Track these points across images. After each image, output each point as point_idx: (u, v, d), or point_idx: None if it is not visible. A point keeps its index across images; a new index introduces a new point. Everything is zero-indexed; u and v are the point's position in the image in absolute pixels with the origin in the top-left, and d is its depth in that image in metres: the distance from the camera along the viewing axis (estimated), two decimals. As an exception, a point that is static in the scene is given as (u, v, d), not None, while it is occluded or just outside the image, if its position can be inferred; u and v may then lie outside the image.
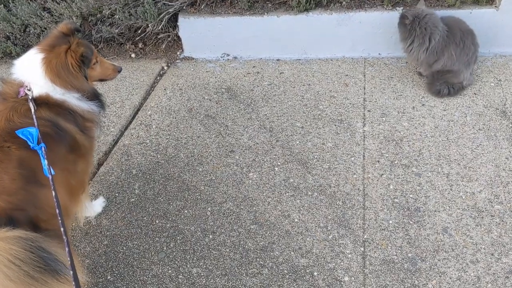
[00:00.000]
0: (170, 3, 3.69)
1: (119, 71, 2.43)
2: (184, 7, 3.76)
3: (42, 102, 2.01)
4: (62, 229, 1.48)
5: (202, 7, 3.74)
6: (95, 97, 2.20)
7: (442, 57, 3.17)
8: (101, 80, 2.41)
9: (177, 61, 3.96)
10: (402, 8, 3.52)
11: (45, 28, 3.83)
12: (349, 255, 2.34)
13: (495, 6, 3.44)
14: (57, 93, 2.05)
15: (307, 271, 2.28)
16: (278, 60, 3.83)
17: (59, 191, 1.94)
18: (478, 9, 3.46)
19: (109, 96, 3.60)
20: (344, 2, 3.57)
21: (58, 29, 2.13)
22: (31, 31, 3.91)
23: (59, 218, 1.51)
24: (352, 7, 3.59)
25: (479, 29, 3.35)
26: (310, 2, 3.57)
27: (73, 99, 2.09)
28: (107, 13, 3.73)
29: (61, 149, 2.01)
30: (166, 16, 3.72)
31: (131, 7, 3.68)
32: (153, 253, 2.44)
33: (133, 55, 4.04)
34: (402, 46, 3.34)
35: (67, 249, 1.43)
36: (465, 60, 3.17)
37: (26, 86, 2.01)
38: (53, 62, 2.02)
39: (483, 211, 2.46)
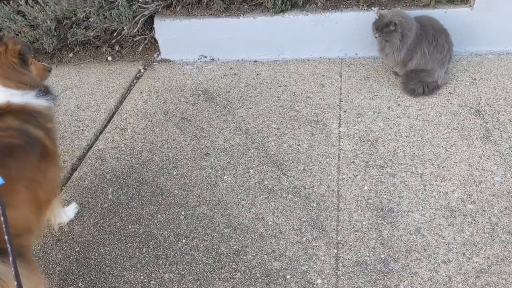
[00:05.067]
0: (145, 6, 3.66)
1: (49, 71, 2.37)
2: (159, 9, 3.73)
3: (5, 111, 1.97)
4: (6, 237, 1.44)
5: (178, 9, 3.71)
6: (47, 89, 2.17)
7: (415, 55, 3.18)
8: None
9: (154, 63, 3.93)
10: (377, 8, 3.53)
11: (19, 32, 3.78)
12: (322, 257, 2.33)
13: (470, 6, 3.46)
14: (16, 96, 2.01)
15: (280, 274, 2.27)
16: (255, 61, 3.81)
17: (24, 209, 1.89)
18: (453, 8, 3.48)
19: (84, 100, 3.56)
20: (319, 3, 3.56)
21: None
22: (4, 35, 3.85)
23: (4, 225, 1.48)
24: (328, 8, 3.58)
25: (454, 28, 3.36)
26: (286, 3, 3.56)
27: (32, 99, 2.05)
28: (81, 16, 3.69)
29: (32, 159, 1.95)
30: (142, 19, 3.69)
31: (106, 9, 3.65)
32: (125, 259, 2.42)
33: (109, 58, 4.00)
34: (379, 48, 3.34)
35: (11, 258, 1.40)
36: (439, 58, 3.17)
37: None
38: None
39: (455, 211, 2.47)
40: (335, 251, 2.35)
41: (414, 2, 3.57)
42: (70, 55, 4.02)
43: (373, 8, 3.54)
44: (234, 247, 2.42)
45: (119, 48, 4.02)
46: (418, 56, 3.21)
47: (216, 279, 2.28)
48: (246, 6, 3.70)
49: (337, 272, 2.25)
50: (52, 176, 2.12)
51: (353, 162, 2.82)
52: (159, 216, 2.62)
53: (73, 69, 3.93)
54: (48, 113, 2.13)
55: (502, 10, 3.39)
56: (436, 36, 3.18)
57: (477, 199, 2.52)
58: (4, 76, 1.99)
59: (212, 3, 3.68)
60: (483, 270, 2.19)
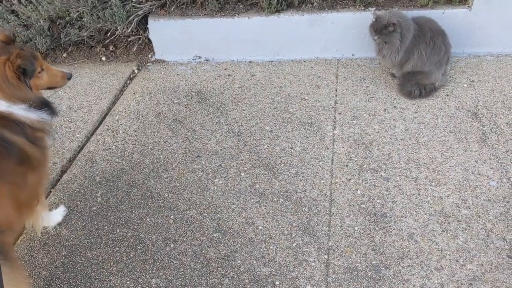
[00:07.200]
0: (139, 6, 3.61)
1: (69, 78, 2.35)
2: (153, 9, 3.69)
3: None
4: None
5: (172, 9, 3.67)
6: (44, 105, 2.13)
7: (412, 57, 3.12)
8: (50, 88, 2.33)
9: (148, 64, 3.89)
10: (374, 8, 3.47)
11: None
12: (313, 263, 2.28)
13: (468, 6, 3.40)
14: (2, 105, 1.98)
15: (269, 280, 2.22)
16: (250, 62, 3.76)
17: (5, 205, 1.88)
18: (451, 9, 3.42)
19: (76, 100, 3.52)
20: (315, 3, 3.51)
21: None
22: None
23: None
24: (324, 8, 3.53)
25: (452, 29, 3.31)
26: (281, 3, 3.51)
27: (20, 111, 2.02)
28: (75, 16, 3.65)
29: (7, 162, 1.94)
30: (136, 19, 3.65)
31: (99, 9, 3.60)
32: (112, 263, 2.37)
33: (103, 58, 3.96)
34: (376, 50, 3.28)
35: None
36: (436, 60, 3.12)
37: None
38: None
39: (450, 216, 2.41)
40: (326, 257, 2.30)
41: (411, 2, 3.52)
42: (64, 55, 3.99)
43: (370, 8, 3.49)
44: (223, 252, 2.37)
45: (113, 48, 3.97)
46: (415, 57, 3.15)
47: (204, 285, 2.23)
48: (241, 6, 3.66)
49: (327, 279, 2.20)
50: (34, 182, 2.09)
51: (347, 165, 2.77)
52: (148, 219, 2.57)
53: (67, 69, 3.88)
54: (37, 125, 2.09)
55: (501, 11, 3.33)
56: (434, 37, 3.12)
57: (472, 204, 2.46)
58: None
59: (206, 3, 3.63)
60: (476, 278, 2.13)
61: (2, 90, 1.97)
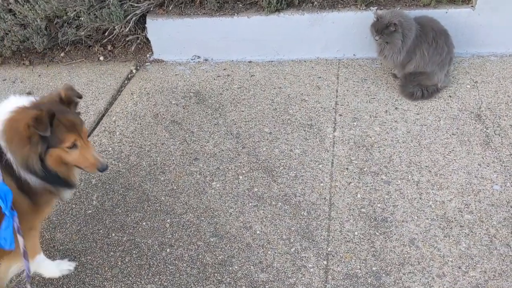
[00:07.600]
0: (137, 5, 3.56)
1: (100, 170, 2.01)
2: (151, 8, 3.64)
3: None
4: None
5: (170, 8, 3.62)
6: (50, 177, 1.94)
7: (414, 57, 3.07)
8: (76, 167, 2.04)
9: (147, 63, 3.84)
10: (376, 8, 3.41)
11: (9, 31, 3.70)
12: (311, 269, 2.23)
13: (471, 6, 3.34)
14: (2, 142, 1.85)
15: (267, 286, 2.17)
16: (250, 62, 3.71)
17: None
18: (454, 8, 3.36)
19: (73, 101, 3.47)
20: (316, 2, 3.45)
21: (59, 91, 1.94)
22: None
23: None
24: (325, 7, 3.47)
25: (456, 29, 3.25)
26: (281, 2, 3.46)
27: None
28: (72, 15, 3.60)
29: None
30: (134, 18, 3.60)
31: (97, 8, 3.55)
32: (106, 268, 2.32)
33: (101, 58, 3.91)
34: (378, 50, 3.23)
35: None
36: (439, 61, 3.06)
37: None
38: (13, 119, 1.84)
39: (452, 221, 2.36)
40: (325, 262, 2.25)
41: (414, 1, 3.45)
42: (62, 54, 3.94)
43: (371, 7, 3.43)
44: (220, 257, 2.32)
45: (112, 47, 3.93)
46: (417, 58, 3.09)
47: (200, 292, 2.19)
48: (240, 5, 3.60)
49: (326, 285, 2.15)
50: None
51: (347, 168, 2.71)
52: (144, 223, 2.53)
53: (64, 69, 3.85)
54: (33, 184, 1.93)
55: (505, 10, 3.27)
56: (436, 37, 3.06)
57: (475, 209, 2.40)
58: (8, 132, 1.84)
59: (205, 2, 3.58)
60: (479, 285, 2.08)
61: (8, 141, 1.84)
